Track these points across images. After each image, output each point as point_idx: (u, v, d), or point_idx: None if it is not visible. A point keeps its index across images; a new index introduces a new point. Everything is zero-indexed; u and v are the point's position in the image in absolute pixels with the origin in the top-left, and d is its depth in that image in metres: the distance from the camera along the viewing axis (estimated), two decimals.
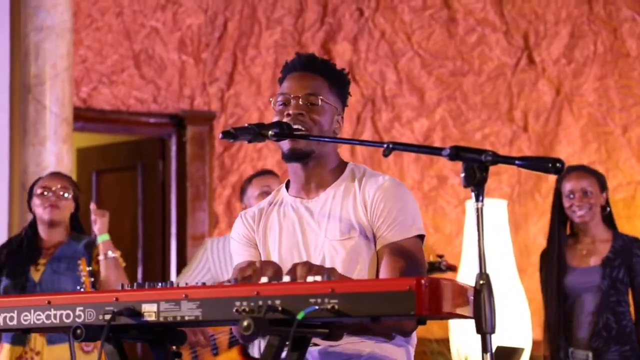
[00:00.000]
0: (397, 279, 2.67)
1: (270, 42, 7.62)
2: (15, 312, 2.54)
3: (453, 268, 5.84)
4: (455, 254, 7.04)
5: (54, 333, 4.63)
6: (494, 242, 6.47)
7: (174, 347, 2.68)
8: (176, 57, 7.49)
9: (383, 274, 2.80)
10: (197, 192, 7.46)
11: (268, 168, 6.33)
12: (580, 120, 7.74)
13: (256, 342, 4.68)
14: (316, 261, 2.83)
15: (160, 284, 2.49)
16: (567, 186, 5.11)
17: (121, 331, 2.50)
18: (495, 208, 6.65)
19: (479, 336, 2.32)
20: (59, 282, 4.87)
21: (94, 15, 7.32)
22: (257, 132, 2.80)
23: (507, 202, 7.00)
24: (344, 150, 7.39)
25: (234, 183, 7.51)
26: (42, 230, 5.02)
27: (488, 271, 2.33)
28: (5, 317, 2.55)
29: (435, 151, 2.50)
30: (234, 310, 2.35)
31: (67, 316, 2.49)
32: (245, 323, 2.27)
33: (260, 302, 2.33)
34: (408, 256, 2.80)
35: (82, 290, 4.69)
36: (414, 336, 2.89)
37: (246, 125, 2.82)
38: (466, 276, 6.25)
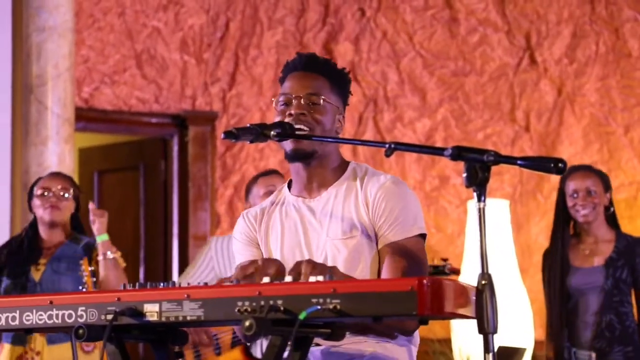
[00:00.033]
0: (399, 279, 2.67)
1: (272, 42, 7.62)
2: (18, 312, 2.54)
3: (457, 272, 5.84)
4: (457, 254, 7.04)
5: (56, 333, 4.63)
6: (496, 242, 6.46)
7: (176, 348, 2.69)
8: (178, 57, 7.49)
9: (385, 274, 2.80)
10: (199, 192, 7.46)
11: (272, 168, 6.33)
12: (582, 120, 7.74)
13: (258, 342, 4.69)
14: (318, 261, 2.83)
15: (162, 284, 2.49)
16: (571, 185, 5.10)
17: (123, 331, 2.51)
18: (497, 208, 6.65)
19: (481, 336, 2.32)
20: (59, 282, 4.88)
21: (96, 15, 7.32)
22: (259, 132, 2.81)
23: (509, 202, 6.99)
24: (345, 151, 7.39)
25: (236, 183, 7.51)
26: (42, 231, 5.02)
27: (490, 271, 2.33)
28: (7, 317, 2.55)
29: (437, 151, 2.50)
30: (236, 310, 2.35)
31: (69, 316, 2.49)
32: (247, 323, 2.27)
33: (262, 302, 2.33)
34: (410, 256, 2.80)
35: (84, 290, 4.69)
36: (417, 336, 2.89)
37: (248, 125, 2.82)
38: (468, 276, 6.24)
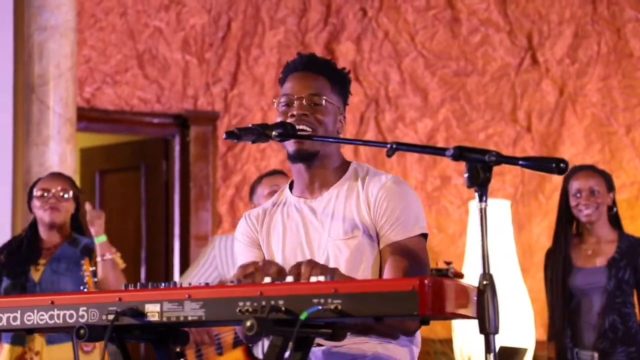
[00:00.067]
0: (400, 279, 2.67)
1: (273, 42, 7.62)
2: (19, 312, 2.54)
3: (460, 276, 5.84)
4: (459, 254, 7.04)
5: (58, 333, 4.63)
6: (497, 243, 6.47)
7: (178, 348, 2.69)
8: (180, 57, 7.49)
9: (386, 274, 2.80)
10: (201, 192, 7.47)
11: (275, 168, 6.33)
12: (583, 120, 7.74)
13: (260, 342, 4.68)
14: (320, 261, 2.83)
15: (163, 284, 2.49)
16: (574, 185, 5.11)
17: (124, 331, 2.51)
18: (499, 208, 6.65)
19: (482, 336, 2.32)
20: (58, 282, 4.88)
21: (97, 15, 7.32)
22: (260, 133, 2.81)
23: (510, 202, 7.00)
24: (347, 151, 7.39)
25: (238, 183, 7.51)
26: (42, 231, 5.02)
27: (491, 271, 2.33)
28: (8, 317, 2.55)
29: (439, 151, 2.50)
30: (237, 311, 2.35)
31: (71, 316, 2.49)
32: (248, 323, 2.28)
33: (264, 302, 2.33)
34: (411, 256, 2.80)
35: (85, 290, 4.69)
36: (418, 336, 2.89)
37: (250, 125, 2.82)
38: (469, 276, 6.24)
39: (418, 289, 2.24)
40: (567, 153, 7.59)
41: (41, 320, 2.51)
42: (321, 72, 2.95)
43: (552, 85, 7.77)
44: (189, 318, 2.39)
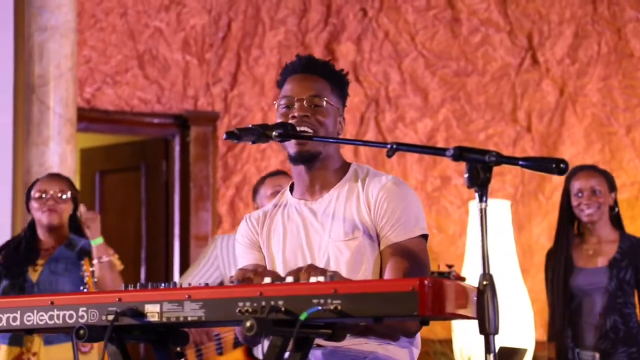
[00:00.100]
0: (400, 279, 2.67)
1: (274, 42, 7.62)
2: (19, 312, 2.54)
3: (461, 280, 5.83)
4: (459, 254, 7.04)
5: (57, 333, 4.63)
6: (497, 243, 6.47)
7: (178, 348, 2.68)
8: (180, 58, 7.49)
9: (387, 275, 2.80)
10: (201, 192, 7.47)
11: (275, 169, 6.32)
12: (584, 120, 7.74)
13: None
14: (320, 262, 2.83)
15: (163, 285, 2.49)
16: (576, 185, 5.11)
17: (124, 332, 2.51)
18: (499, 208, 6.65)
19: (482, 337, 2.31)
20: (56, 282, 4.88)
21: (98, 16, 7.32)
22: (261, 133, 2.81)
23: (510, 202, 6.99)
24: (347, 151, 7.39)
25: (238, 183, 7.51)
26: (40, 232, 5.02)
27: (491, 272, 2.33)
28: (8, 318, 2.55)
29: (439, 152, 2.50)
30: (237, 311, 2.35)
31: (70, 316, 2.49)
32: (248, 324, 2.27)
33: (263, 303, 2.33)
34: (412, 257, 2.80)
35: (85, 290, 4.69)
36: (418, 337, 2.89)
37: (250, 125, 2.82)
38: (469, 277, 6.24)
39: (418, 289, 2.24)
40: (567, 153, 7.59)
41: (41, 320, 2.51)
42: (321, 74, 2.95)
43: (553, 85, 7.77)
44: (189, 318, 2.39)
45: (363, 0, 7.73)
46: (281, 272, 2.80)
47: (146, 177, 7.71)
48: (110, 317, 2.44)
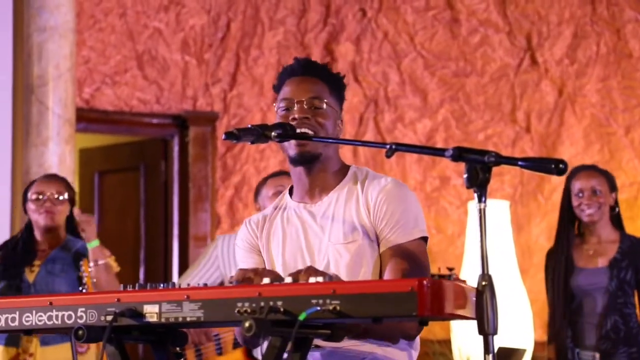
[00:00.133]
0: (399, 280, 2.66)
1: (273, 42, 7.62)
2: (17, 313, 2.54)
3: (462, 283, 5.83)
4: (457, 255, 7.04)
5: (56, 334, 4.63)
6: (496, 243, 6.46)
7: (177, 349, 2.68)
8: (179, 58, 7.49)
9: (387, 276, 2.80)
10: (200, 192, 7.46)
11: (274, 169, 6.33)
12: (583, 121, 7.74)
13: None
14: (320, 266, 2.83)
15: (162, 285, 2.49)
16: (577, 185, 5.11)
17: (123, 332, 2.51)
18: (498, 209, 6.65)
19: (480, 337, 2.31)
20: (53, 283, 4.87)
21: (97, 16, 7.32)
22: (260, 133, 2.80)
23: (509, 203, 6.99)
24: (346, 152, 7.39)
25: (237, 184, 7.51)
26: (37, 233, 5.02)
27: (490, 272, 2.33)
28: (7, 318, 2.55)
29: (438, 152, 2.49)
30: (236, 312, 2.35)
31: (69, 317, 2.49)
32: (247, 324, 2.27)
33: (262, 303, 2.33)
34: (412, 258, 2.80)
35: (84, 290, 4.69)
36: (417, 340, 2.89)
37: (249, 126, 2.82)
38: (468, 277, 6.24)
39: (417, 289, 2.24)
40: (567, 153, 7.59)
41: (40, 321, 2.51)
42: (319, 76, 2.95)
43: (552, 85, 7.77)
44: (188, 319, 2.39)
45: (362, 0, 7.73)
46: (281, 275, 2.79)
47: (145, 177, 7.71)
48: (109, 318, 2.43)
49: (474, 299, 2.33)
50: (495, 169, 2.40)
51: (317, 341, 2.63)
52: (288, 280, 2.41)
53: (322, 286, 2.32)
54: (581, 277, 5.09)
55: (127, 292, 2.48)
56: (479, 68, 7.75)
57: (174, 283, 2.52)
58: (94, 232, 4.92)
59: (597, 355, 5.01)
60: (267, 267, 2.93)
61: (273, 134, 2.80)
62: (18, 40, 6.55)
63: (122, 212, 7.67)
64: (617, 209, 5.17)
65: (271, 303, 2.32)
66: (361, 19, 7.73)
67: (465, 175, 2.38)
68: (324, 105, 2.90)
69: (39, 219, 4.96)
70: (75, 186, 6.50)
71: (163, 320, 2.41)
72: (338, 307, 2.28)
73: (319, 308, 2.28)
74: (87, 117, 7.18)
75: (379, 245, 2.85)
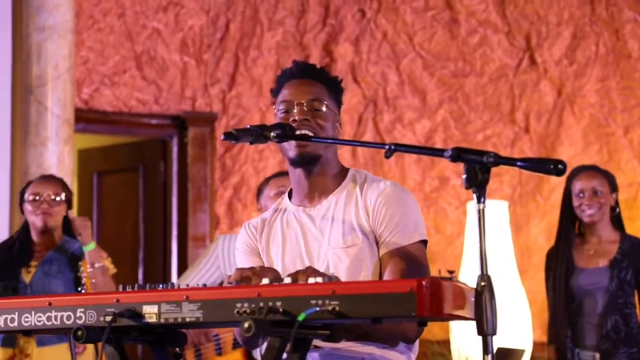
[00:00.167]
0: (398, 280, 2.66)
1: (272, 43, 7.62)
2: (16, 313, 2.54)
3: None
4: (456, 255, 7.04)
5: (55, 334, 4.63)
6: (495, 244, 6.46)
7: (177, 349, 2.68)
8: (178, 58, 7.49)
9: (386, 278, 2.79)
10: (199, 193, 7.46)
11: (274, 170, 6.32)
12: (582, 121, 7.74)
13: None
14: (320, 269, 2.82)
15: (161, 286, 2.49)
16: (578, 185, 5.11)
17: (122, 332, 2.50)
18: (497, 209, 6.65)
19: (479, 338, 2.31)
20: (49, 284, 4.87)
21: (95, 16, 7.32)
22: (259, 134, 2.80)
23: (508, 203, 6.99)
24: (345, 152, 7.39)
25: (235, 184, 7.51)
26: (34, 234, 5.02)
27: (489, 272, 2.33)
28: (6, 319, 2.55)
29: (437, 152, 2.49)
30: (235, 312, 2.35)
31: (68, 317, 2.49)
32: (246, 324, 2.27)
33: (261, 304, 2.33)
34: (411, 260, 2.80)
35: (83, 291, 4.69)
36: (416, 343, 2.89)
37: (248, 126, 2.82)
38: (467, 278, 6.24)
39: (416, 290, 2.24)
40: (566, 154, 7.59)
41: (39, 321, 2.51)
42: (318, 79, 2.95)
43: (551, 86, 7.77)
44: (187, 319, 2.39)
45: (361, 1, 7.73)
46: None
47: (144, 178, 7.71)
48: (108, 318, 2.43)
49: (473, 299, 2.33)
50: (494, 170, 2.40)
51: (316, 342, 2.63)
52: (287, 280, 2.41)
53: (321, 287, 2.32)
54: (582, 277, 5.09)
55: (126, 292, 2.48)
56: (478, 68, 7.75)
57: (173, 283, 2.52)
58: (89, 236, 4.92)
59: (597, 355, 5.01)
60: None
61: (272, 134, 2.80)
62: (17, 40, 6.55)
63: (121, 213, 7.67)
64: (617, 210, 5.17)
65: (270, 303, 2.32)
66: (360, 20, 7.73)
67: (464, 176, 2.38)
68: (324, 108, 2.90)
69: (35, 220, 4.95)
70: (74, 187, 6.51)
71: (162, 320, 2.41)
72: (337, 308, 2.28)
73: (318, 308, 2.28)
74: (86, 118, 7.18)
75: (378, 249, 2.84)
